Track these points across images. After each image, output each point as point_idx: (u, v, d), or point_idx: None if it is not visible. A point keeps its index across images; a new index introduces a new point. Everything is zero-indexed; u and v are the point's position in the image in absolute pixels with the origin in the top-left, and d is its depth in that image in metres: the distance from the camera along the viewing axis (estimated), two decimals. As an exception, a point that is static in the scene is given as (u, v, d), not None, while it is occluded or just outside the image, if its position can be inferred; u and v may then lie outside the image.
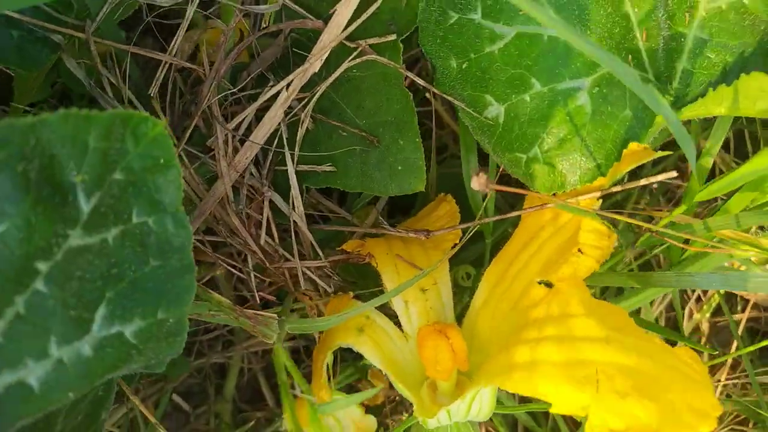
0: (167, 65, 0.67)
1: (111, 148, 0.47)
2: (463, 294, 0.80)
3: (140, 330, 0.51)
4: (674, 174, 0.60)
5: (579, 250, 0.59)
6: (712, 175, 0.80)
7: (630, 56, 0.62)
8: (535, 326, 0.58)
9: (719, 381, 1.01)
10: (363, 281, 0.84)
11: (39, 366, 0.47)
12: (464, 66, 0.62)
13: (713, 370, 1.06)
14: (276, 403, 1.04)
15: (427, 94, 0.82)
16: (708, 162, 0.67)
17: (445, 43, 0.63)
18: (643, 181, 0.61)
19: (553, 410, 0.52)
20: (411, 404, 0.68)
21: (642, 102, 0.59)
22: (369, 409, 0.79)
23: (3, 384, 0.45)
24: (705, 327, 1.09)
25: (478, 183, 0.51)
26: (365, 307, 0.63)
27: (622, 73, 0.42)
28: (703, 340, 1.10)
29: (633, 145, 0.59)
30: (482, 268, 0.81)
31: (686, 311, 1.07)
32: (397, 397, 0.97)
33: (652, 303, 0.99)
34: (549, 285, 0.62)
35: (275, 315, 0.61)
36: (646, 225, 0.61)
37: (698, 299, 1.08)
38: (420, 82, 0.66)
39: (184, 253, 0.51)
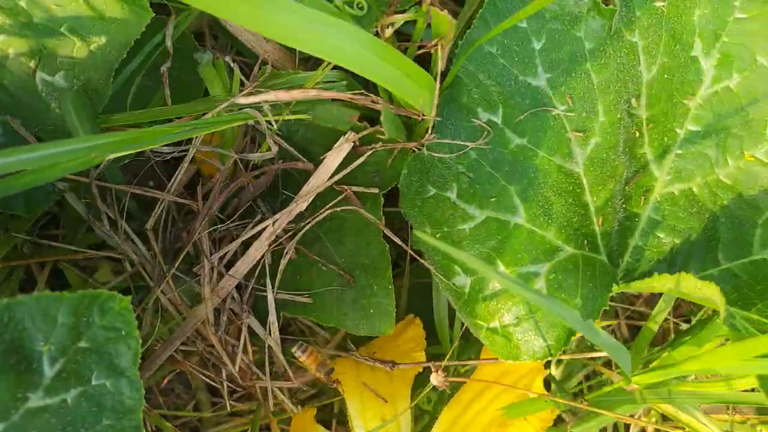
0: (164, 202, 0.72)
1: (78, 322, 0.53)
2: (423, 415, 0.86)
3: None
4: (605, 354, 0.66)
5: (525, 419, 0.65)
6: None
7: (585, 240, 0.69)
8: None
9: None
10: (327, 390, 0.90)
11: None
12: (438, 236, 0.68)
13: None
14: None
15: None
16: (654, 326, 0.74)
17: (422, 212, 0.69)
18: (579, 356, 0.67)
19: None
20: None
21: (592, 291, 0.66)
22: None
23: None
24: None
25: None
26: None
27: (559, 312, 0.48)
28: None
29: (579, 334, 0.65)
30: (443, 394, 0.87)
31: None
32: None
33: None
34: (497, 440, 0.68)
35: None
36: (587, 408, 0.67)
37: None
38: (397, 240, 0.72)
39: (134, 414, 0.56)
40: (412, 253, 0.70)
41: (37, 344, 0.52)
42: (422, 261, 0.70)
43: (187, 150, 0.71)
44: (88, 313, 0.54)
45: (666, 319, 1.09)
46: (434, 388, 0.88)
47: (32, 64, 0.63)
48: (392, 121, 0.64)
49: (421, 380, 0.87)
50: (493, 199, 0.66)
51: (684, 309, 1.11)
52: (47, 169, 0.53)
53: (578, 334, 0.65)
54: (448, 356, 0.68)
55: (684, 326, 0.97)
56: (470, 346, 0.88)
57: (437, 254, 0.69)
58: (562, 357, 0.68)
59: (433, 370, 0.66)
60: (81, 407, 0.54)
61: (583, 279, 0.67)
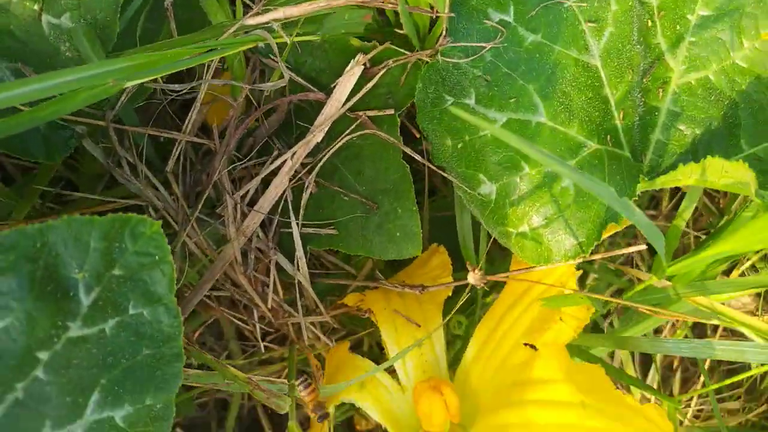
0: (181, 142, 0.72)
1: (111, 247, 0.53)
2: (455, 341, 0.86)
3: (129, 415, 0.55)
4: (644, 247, 0.66)
5: (560, 319, 0.65)
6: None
7: (608, 136, 0.69)
8: (522, 388, 0.65)
9: (689, 406, 1.09)
10: (360, 325, 0.90)
11: (32, 449, 0.51)
12: (459, 146, 0.68)
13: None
14: (274, 432, 1.09)
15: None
16: (681, 223, 0.74)
17: (441, 123, 0.68)
18: (612, 253, 0.67)
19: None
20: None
21: (619, 185, 0.66)
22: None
23: (-1, 465, 0.51)
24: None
25: (474, 278, 0.56)
26: (370, 374, 0.68)
27: (588, 185, 0.48)
28: (675, 362, 1.18)
29: (612, 226, 0.65)
30: (473, 316, 0.87)
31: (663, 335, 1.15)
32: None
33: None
34: (533, 347, 0.68)
35: (285, 381, 0.66)
36: (619, 301, 0.67)
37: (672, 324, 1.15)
38: (417, 157, 0.72)
39: (174, 342, 0.56)
40: (432, 166, 0.70)
41: (72, 271, 0.52)
42: (444, 174, 0.70)
43: (199, 87, 0.70)
44: (120, 239, 0.53)
45: (686, 233, 1.10)
46: (464, 310, 0.89)
47: (36, 6, 0.63)
48: (407, 14, 0.63)
49: (450, 306, 0.87)
50: (513, 100, 0.66)
51: (703, 222, 1.11)
52: (67, 99, 0.52)
53: (611, 228, 0.65)
54: (479, 266, 0.68)
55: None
56: (495, 270, 0.88)
57: (460, 165, 0.68)
58: (593, 257, 0.68)
59: (469, 269, 0.65)
60: (120, 337, 0.54)
61: (609, 174, 0.66)
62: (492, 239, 0.72)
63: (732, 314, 0.71)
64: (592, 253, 0.68)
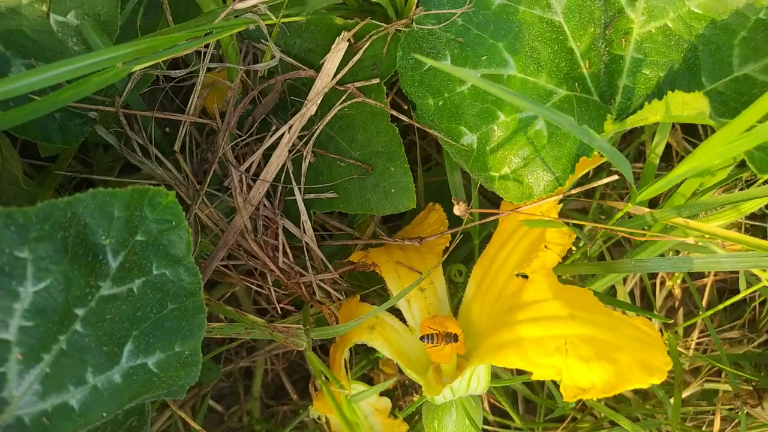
0: (186, 123, 0.79)
1: (132, 216, 0.59)
2: (457, 288, 0.93)
3: (161, 361, 0.62)
4: (615, 177, 0.72)
5: (545, 246, 0.71)
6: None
7: (576, 83, 0.74)
8: (515, 311, 0.71)
9: (691, 339, 1.15)
10: (367, 282, 0.97)
11: (78, 391, 0.58)
12: (440, 103, 0.74)
13: (689, 330, 1.19)
14: (299, 397, 1.16)
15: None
16: (655, 159, 0.80)
17: (422, 85, 0.75)
18: (588, 186, 0.73)
19: (534, 378, 0.64)
20: (420, 386, 0.80)
21: (588, 125, 0.71)
22: (383, 393, 0.92)
23: (51, 404, 0.57)
24: (677, 292, 1.22)
25: (459, 210, 0.63)
26: (376, 311, 0.75)
27: (556, 119, 0.54)
28: (677, 303, 1.23)
29: (584, 160, 0.71)
30: (471, 264, 0.93)
31: (659, 279, 1.21)
32: (406, 382, 1.09)
33: (625, 278, 1.13)
34: (525, 276, 0.74)
35: (301, 326, 0.73)
36: (599, 226, 0.73)
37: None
38: (403, 118, 0.78)
39: (196, 297, 0.63)
40: (419, 125, 0.76)
41: (99, 237, 0.58)
42: (430, 132, 0.76)
43: (197, 71, 0.77)
44: (140, 208, 0.60)
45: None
46: (463, 261, 0.95)
47: (44, 7, 0.69)
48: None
49: (450, 258, 0.94)
50: (485, 58, 0.72)
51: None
52: (83, 84, 0.59)
53: (583, 161, 0.71)
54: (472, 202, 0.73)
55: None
56: (487, 225, 0.94)
57: (443, 121, 0.74)
58: (570, 192, 0.74)
59: (454, 203, 0.71)
60: (147, 295, 0.61)
61: (578, 116, 0.72)
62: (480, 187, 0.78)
63: (706, 228, 0.76)
64: (572, 189, 0.74)
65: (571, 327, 0.65)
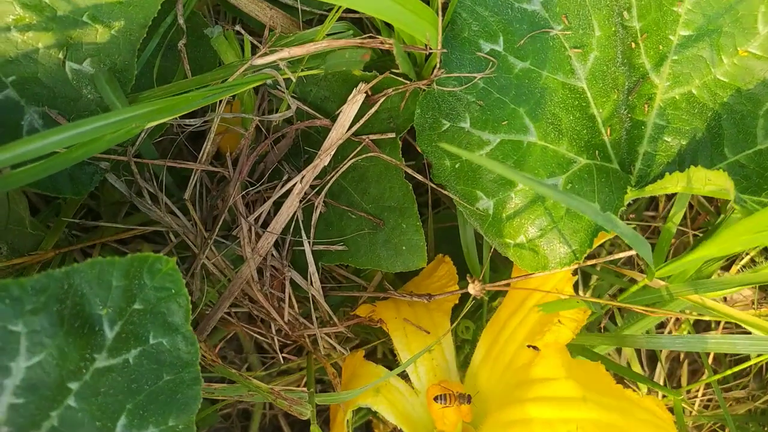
0: (197, 171, 0.77)
1: (131, 284, 0.58)
2: (464, 345, 0.91)
3: None
4: (632, 252, 0.70)
5: (559, 321, 0.70)
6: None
7: (597, 151, 0.73)
8: (526, 387, 0.70)
9: (696, 397, 1.13)
10: (373, 333, 0.95)
11: (69, 471, 0.56)
12: (457, 165, 0.73)
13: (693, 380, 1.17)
14: (296, 442, 1.14)
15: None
16: (672, 227, 0.78)
17: (439, 145, 0.73)
18: (604, 260, 0.72)
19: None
20: (424, 451, 0.79)
21: (608, 196, 0.70)
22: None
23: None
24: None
25: (474, 290, 0.61)
26: (383, 379, 0.73)
27: (578, 206, 0.52)
28: (682, 355, 1.22)
29: (602, 234, 0.69)
30: (480, 321, 0.92)
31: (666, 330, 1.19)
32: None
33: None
34: (536, 348, 0.73)
35: (305, 390, 0.71)
36: (614, 303, 0.72)
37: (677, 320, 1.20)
38: (418, 176, 0.76)
39: (192, 368, 0.60)
40: (434, 186, 0.75)
41: (96, 308, 0.57)
42: (445, 192, 0.74)
43: (212, 120, 0.75)
44: (139, 276, 0.58)
45: (685, 233, 1.14)
46: (471, 315, 0.93)
47: (61, 55, 0.68)
48: (403, 55, 0.68)
49: (459, 312, 0.92)
50: (505, 123, 0.70)
51: (701, 221, 1.15)
52: (95, 142, 0.58)
53: (597, 243, 0.70)
54: (481, 274, 0.73)
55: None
56: (499, 276, 0.92)
57: (459, 183, 0.73)
58: (587, 263, 0.72)
59: (469, 281, 0.70)
60: (142, 365, 0.59)
61: (598, 186, 0.71)
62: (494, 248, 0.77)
63: (722, 309, 0.75)
64: (592, 257, 0.73)
65: (583, 410, 0.63)
